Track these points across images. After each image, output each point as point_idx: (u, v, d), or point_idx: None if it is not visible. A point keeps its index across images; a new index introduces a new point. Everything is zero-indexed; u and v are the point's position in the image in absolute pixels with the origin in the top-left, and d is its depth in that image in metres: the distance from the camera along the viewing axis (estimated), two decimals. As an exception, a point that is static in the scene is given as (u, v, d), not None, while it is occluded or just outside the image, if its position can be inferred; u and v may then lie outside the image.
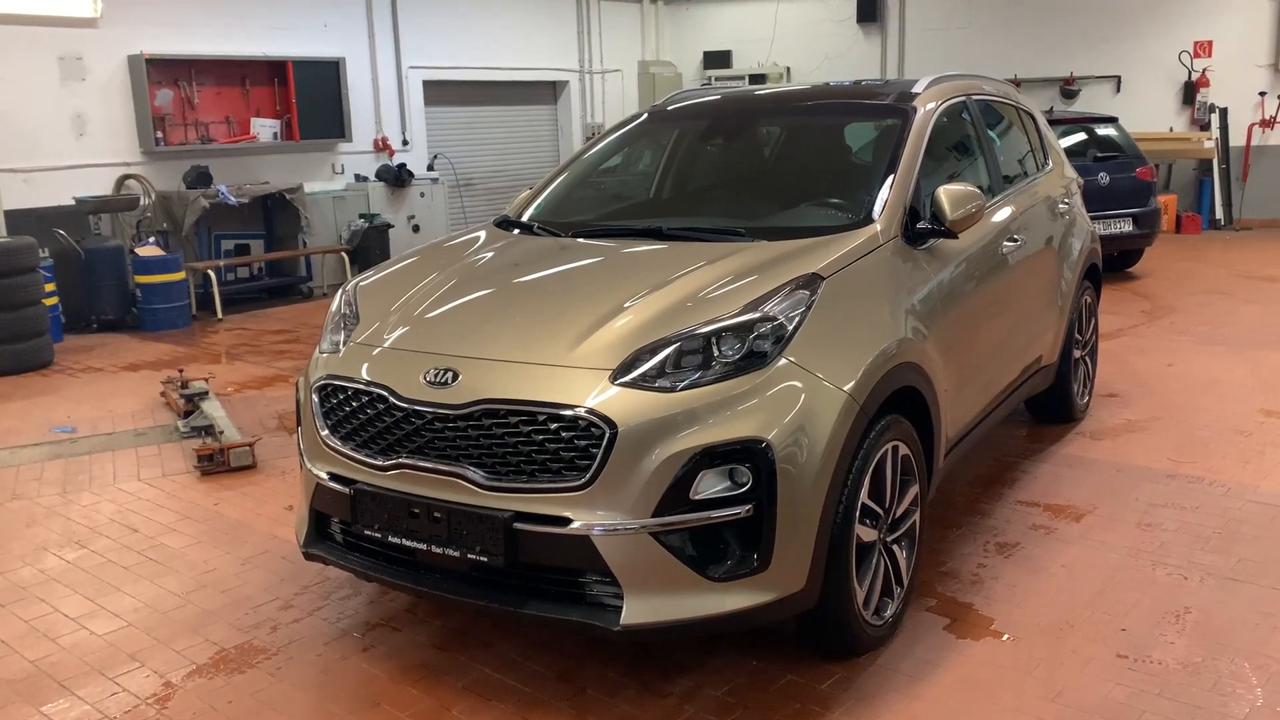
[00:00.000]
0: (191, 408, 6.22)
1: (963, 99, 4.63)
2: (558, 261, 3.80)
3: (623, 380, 2.89)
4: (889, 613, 3.36)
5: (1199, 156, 13.22)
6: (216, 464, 5.36)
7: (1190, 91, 13.31)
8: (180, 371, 6.94)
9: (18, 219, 9.22)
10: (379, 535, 3.13)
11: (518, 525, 2.87)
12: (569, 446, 2.84)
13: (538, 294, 3.55)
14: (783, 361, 2.97)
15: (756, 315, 3.04)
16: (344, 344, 3.43)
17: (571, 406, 2.84)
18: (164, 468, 5.52)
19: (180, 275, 9.64)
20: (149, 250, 9.55)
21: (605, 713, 3.07)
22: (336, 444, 3.24)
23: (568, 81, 15.13)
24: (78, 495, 5.14)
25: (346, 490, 3.18)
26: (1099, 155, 9.99)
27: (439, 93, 13.42)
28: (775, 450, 2.83)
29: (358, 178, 12.17)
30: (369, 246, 11.33)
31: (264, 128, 11.21)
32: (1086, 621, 3.50)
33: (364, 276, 3.90)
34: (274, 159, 11.45)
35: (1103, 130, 10.38)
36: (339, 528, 3.37)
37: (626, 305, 3.16)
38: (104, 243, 9.66)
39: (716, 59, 16.18)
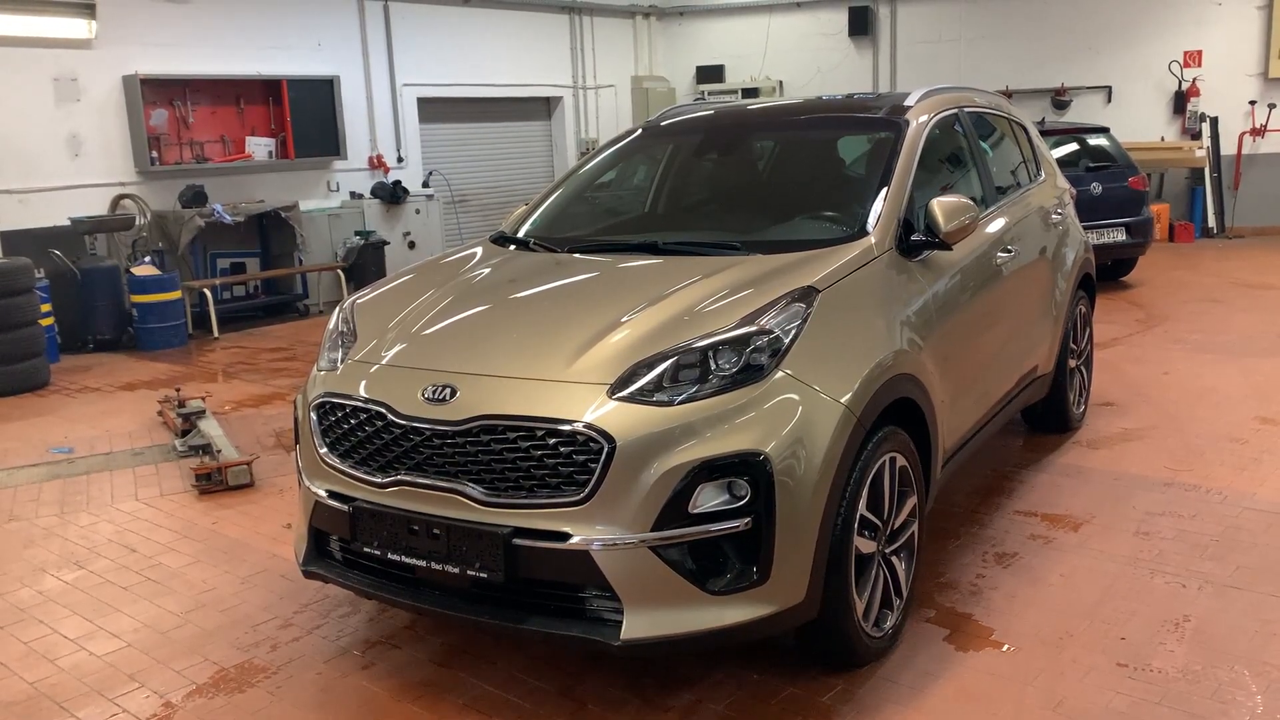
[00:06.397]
0: (189, 426, 6.22)
1: (955, 111, 4.66)
2: (554, 277, 3.81)
3: (620, 395, 2.90)
4: (889, 624, 3.36)
5: (1191, 165, 13.28)
6: (214, 483, 5.35)
7: (1181, 101, 13.37)
8: (177, 390, 6.94)
9: (13, 240, 9.25)
10: (378, 552, 3.13)
11: (517, 541, 2.87)
12: (567, 461, 2.84)
13: (534, 309, 3.56)
14: (779, 374, 2.98)
15: (753, 328, 3.05)
16: (342, 362, 3.44)
17: (569, 421, 2.85)
18: (162, 487, 5.51)
19: (176, 294, 9.64)
20: (145, 269, 9.56)
21: (606, 728, 3.07)
22: (335, 461, 3.24)
23: (561, 97, 15.18)
24: (75, 516, 5.14)
25: (345, 507, 3.18)
26: (1091, 165, 10.03)
27: (433, 110, 13.46)
28: (773, 463, 2.84)
29: (353, 195, 12.19)
30: (365, 264, 11.34)
31: (259, 146, 11.23)
32: (1086, 631, 3.50)
33: (361, 294, 3.91)
34: (269, 177, 11.47)
35: (1094, 140, 10.42)
36: (338, 545, 3.37)
37: (623, 320, 3.17)
38: (100, 263, 9.67)
39: (709, 73, 16.23)
